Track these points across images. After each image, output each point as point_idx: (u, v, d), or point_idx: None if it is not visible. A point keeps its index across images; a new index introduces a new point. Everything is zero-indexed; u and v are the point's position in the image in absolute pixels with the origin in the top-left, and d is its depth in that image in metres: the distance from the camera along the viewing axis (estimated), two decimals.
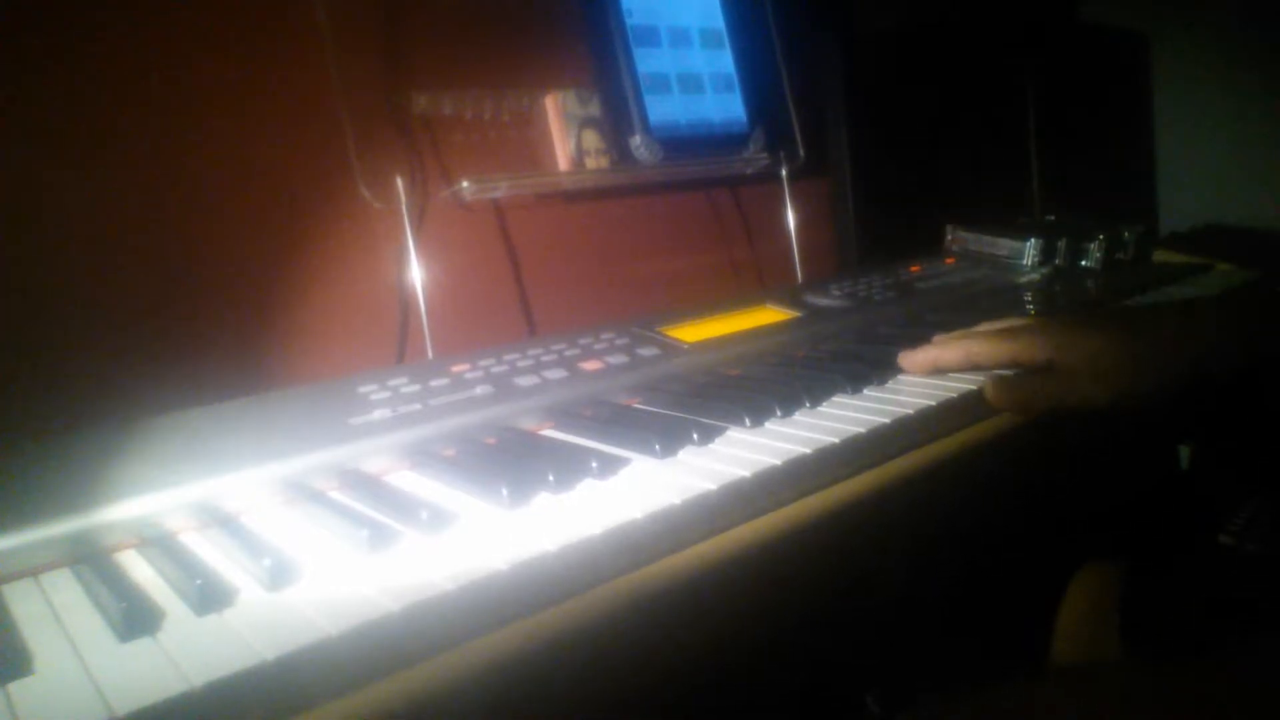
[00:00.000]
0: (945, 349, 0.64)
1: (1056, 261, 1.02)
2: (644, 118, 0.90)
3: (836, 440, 0.50)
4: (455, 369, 0.62)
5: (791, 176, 1.02)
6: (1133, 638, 0.69)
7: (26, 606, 0.37)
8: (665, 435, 0.50)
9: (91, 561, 0.40)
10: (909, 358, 0.65)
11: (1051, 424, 0.62)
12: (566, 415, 0.58)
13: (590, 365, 0.63)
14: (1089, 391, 0.59)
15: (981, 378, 0.62)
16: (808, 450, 0.49)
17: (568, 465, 0.47)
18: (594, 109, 0.91)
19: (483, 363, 0.63)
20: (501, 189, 0.85)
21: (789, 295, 0.83)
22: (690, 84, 0.96)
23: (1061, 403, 0.60)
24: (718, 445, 0.51)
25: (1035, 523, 0.78)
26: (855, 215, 1.09)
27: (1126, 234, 1.07)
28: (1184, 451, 1.18)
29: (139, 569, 0.40)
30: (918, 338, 0.74)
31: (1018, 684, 0.51)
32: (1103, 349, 0.60)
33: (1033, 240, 1.01)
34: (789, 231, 1.03)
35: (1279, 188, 1.33)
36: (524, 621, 0.36)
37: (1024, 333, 0.63)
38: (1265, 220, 1.32)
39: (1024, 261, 1.02)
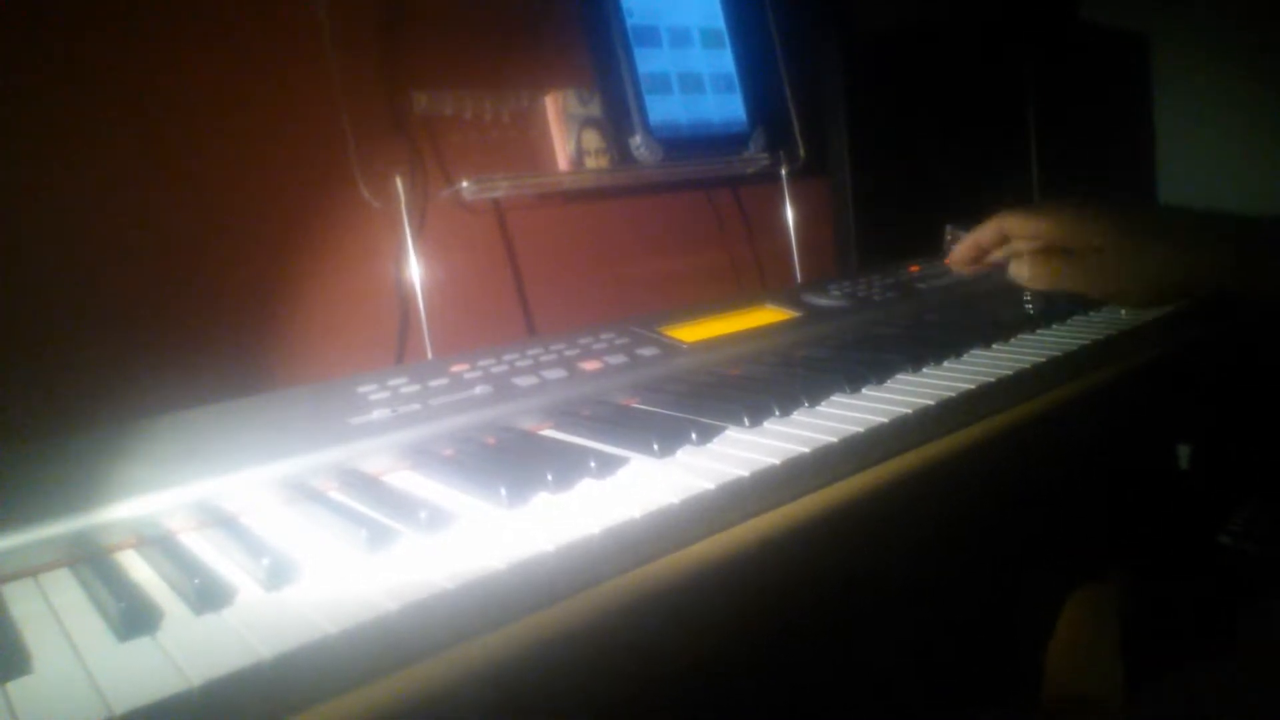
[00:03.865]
0: (981, 230, 0.73)
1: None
2: (644, 118, 0.90)
3: (835, 440, 0.50)
4: (455, 369, 0.62)
5: (791, 176, 1.02)
6: (1130, 648, 0.69)
7: (26, 606, 0.37)
8: (664, 435, 0.50)
9: (91, 561, 0.40)
10: (951, 257, 0.74)
11: (1051, 422, 0.62)
12: (566, 415, 0.58)
13: (590, 365, 0.63)
14: (1096, 276, 0.67)
15: (976, 380, 0.62)
16: (806, 450, 0.49)
17: (566, 465, 0.47)
18: (594, 109, 0.92)
19: (482, 363, 0.63)
20: (502, 189, 0.85)
21: (789, 295, 0.83)
22: (690, 84, 0.96)
23: (1075, 283, 0.68)
24: (716, 445, 0.51)
25: (1035, 522, 0.78)
26: (855, 215, 1.09)
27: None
28: (1184, 451, 1.18)
29: (138, 569, 0.40)
30: (916, 338, 0.74)
31: None
32: (1106, 242, 0.68)
33: None
34: (789, 231, 1.03)
35: (1279, 187, 1.33)
36: (523, 621, 0.36)
37: (1050, 211, 0.71)
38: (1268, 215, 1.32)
39: None
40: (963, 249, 0.74)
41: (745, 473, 0.46)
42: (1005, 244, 0.73)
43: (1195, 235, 0.68)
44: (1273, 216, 0.67)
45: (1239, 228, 0.68)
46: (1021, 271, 0.70)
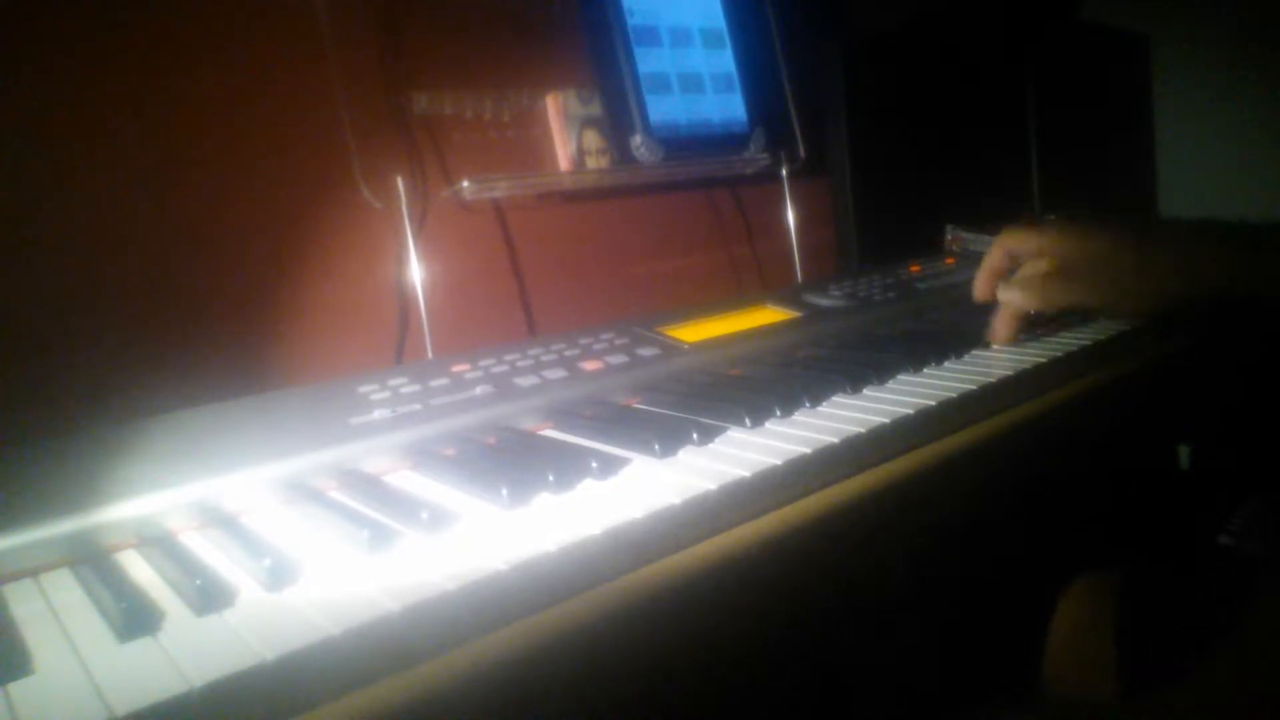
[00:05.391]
0: (989, 256, 0.73)
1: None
2: (644, 117, 0.90)
3: (836, 440, 0.50)
4: (455, 369, 0.62)
5: (791, 176, 1.02)
6: (1130, 648, 0.69)
7: (26, 606, 0.37)
8: (665, 435, 0.50)
9: (91, 561, 0.40)
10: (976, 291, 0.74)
11: (1052, 422, 0.62)
12: (566, 415, 0.58)
13: (590, 365, 0.63)
14: (1096, 288, 0.68)
15: (977, 381, 0.62)
16: (808, 450, 0.49)
17: (568, 465, 0.47)
18: (595, 109, 0.91)
19: (483, 363, 0.63)
20: (502, 189, 0.85)
21: (789, 295, 0.83)
22: (691, 84, 0.96)
23: (1072, 296, 0.68)
24: (718, 445, 0.51)
25: (1036, 522, 0.78)
26: (855, 215, 1.09)
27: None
28: (1184, 451, 1.18)
29: (139, 569, 0.40)
30: (918, 338, 0.74)
31: None
32: (1108, 252, 0.68)
33: None
34: (789, 231, 1.03)
35: (1279, 188, 1.33)
36: (524, 621, 0.36)
37: (1049, 226, 0.72)
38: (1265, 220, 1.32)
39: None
40: (981, 282, 0.73)
41: (747, 473, 0.46)
42: (1015, 262, 0.73)
43: (1194, 241, 0.68)
44: (1269, 222, 0.67)
45: (1236, 232, 0.68)
46: (1013, 295, 0.69)
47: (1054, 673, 0.73)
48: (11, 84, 0.62)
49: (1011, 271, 0.73)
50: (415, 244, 0.77)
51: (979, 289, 0.73)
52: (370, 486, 0.48)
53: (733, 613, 0.44)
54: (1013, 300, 0.69)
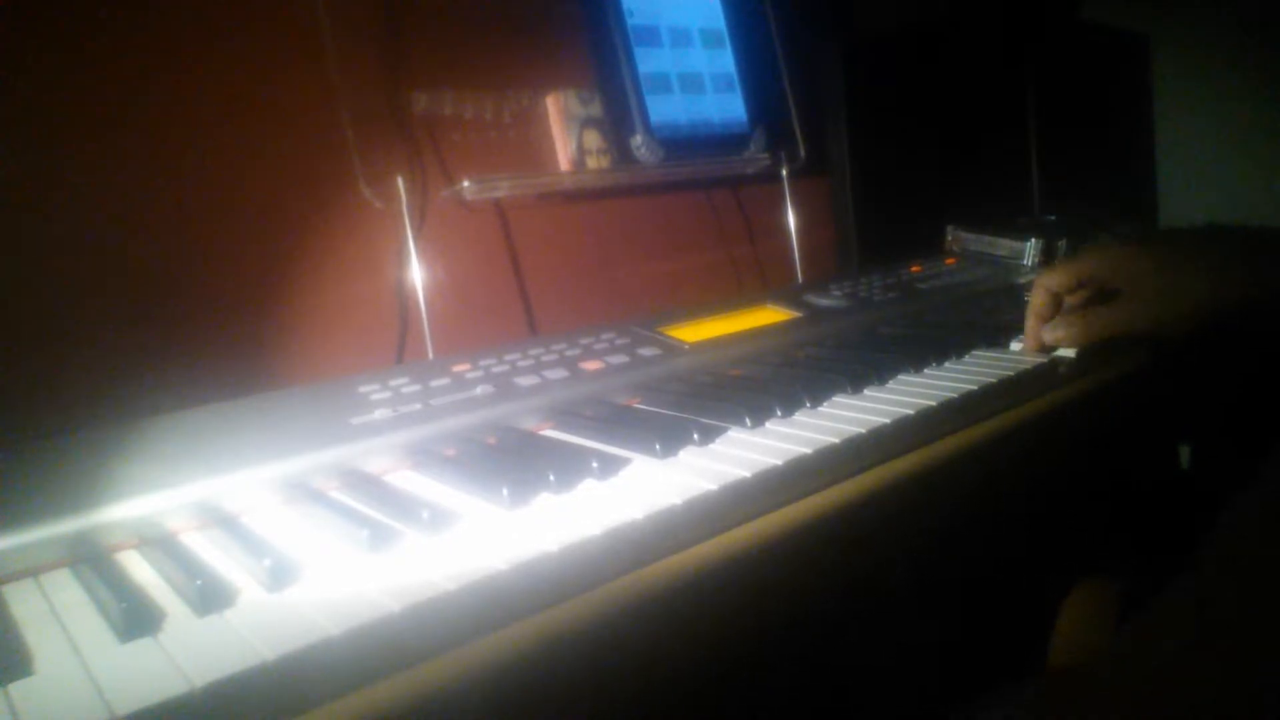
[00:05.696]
0: (1031, 298, 0.72)
1: (1056, 261, 1.02)
2: (645, 117, 0.89)
3: (837, 440, 0.50)
4: (456, 369, 0.62)
5: (792, 176, 1.02)
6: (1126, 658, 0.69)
7: (27, 606, 0.37)
8: (666, 435, 0.50)
9: (92, 561, 0.40)
10: (1027, 342, 0.72)
11: (1053, 422, 0.62)
12: (567, 415, 0.58)
13: (591, 365, 0.63)
14: (1129, 316, 0.67)
15: (978, 381, 0.62)
16: (808, 450, 0.49)
17: (568, 465, 0.47)
18: (595, 109, 0.91)
19: (483, 362, 0.63)
20: (502, 189, 0.84)
21: (789, 295, 0.83)
22: (691, 84, 0.96)
23: (1109, 328, 0.67)
24: (718, 445, 0.51)
25: (1036, 522, 0.78)
26: (855, 215, 1.09)
27: (1126, 233, 1.08)
28: (1184, 451, 1.18)
29: (139, 569, 0.40)
30: (918, 338, 0.74)
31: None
32: (1148, 271, 0.67)
33: (1033, 240, 1.01)
34: (789, 231, 1.03)
35: (1279, 187, 1.33)
36: (525, 621, 0.36)
37: (1083, 256, 0.71)
38: (1265, 220, 1.32)
39: (1024, 261, 1.02)
40: (1031, 328, 0.71)
41: (748, 473, 0.46)
42: (1059, 301, 0.72)
43: (1222, 258, 0.67)
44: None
45: (1261, 242, 0.68)
46: (1058, 335, 0.68)
47: (1057, 672, 0.73)
48: (12, 83, 0.62)
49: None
50: (416, 244, 0.77)
51: (1030, 339, 0.71)
52: (371, 486, 0.48)
53: (733, 613, 0.44)
54: (1058, 341, 0.68)
